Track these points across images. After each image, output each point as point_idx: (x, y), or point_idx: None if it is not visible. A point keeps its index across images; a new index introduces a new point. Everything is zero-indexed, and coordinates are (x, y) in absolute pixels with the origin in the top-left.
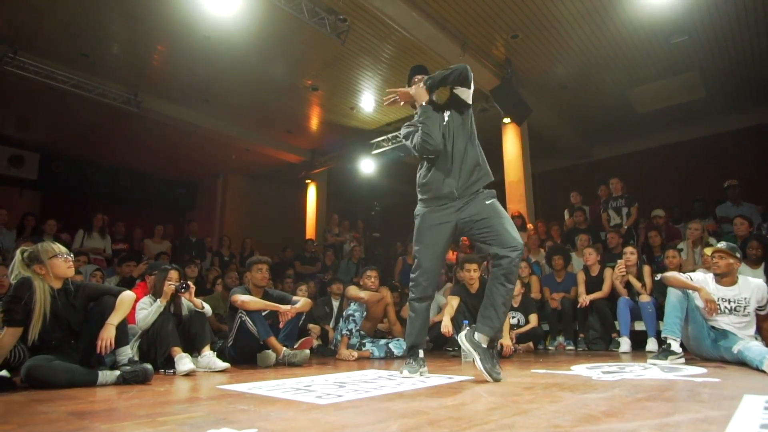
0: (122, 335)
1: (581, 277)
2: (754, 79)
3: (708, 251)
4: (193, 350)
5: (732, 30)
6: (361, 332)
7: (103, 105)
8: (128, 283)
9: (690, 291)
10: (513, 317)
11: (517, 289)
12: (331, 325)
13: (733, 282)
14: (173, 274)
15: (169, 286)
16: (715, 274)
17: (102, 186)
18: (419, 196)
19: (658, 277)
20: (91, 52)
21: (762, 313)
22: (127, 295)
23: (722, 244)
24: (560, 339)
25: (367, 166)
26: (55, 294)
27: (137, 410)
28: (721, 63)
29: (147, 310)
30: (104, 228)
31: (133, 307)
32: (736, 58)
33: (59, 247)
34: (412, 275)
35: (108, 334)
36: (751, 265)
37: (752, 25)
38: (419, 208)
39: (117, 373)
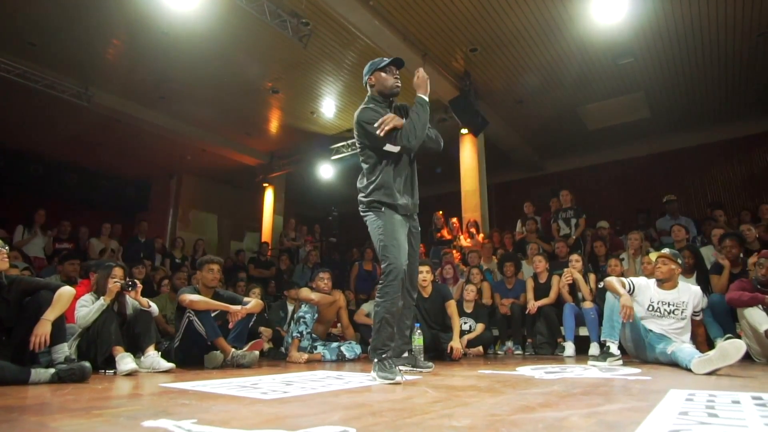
0: (59, 332)
1: (530, 284)
2: (695, 102)
3: (653, 256)
4: (137, 350)
5: (674, 55)
6: (313, 335)
7: (50, 97)
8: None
9: (630, 295)
10: (465, 323)
11: (472, 295)
12: (285, 329)
13: (674, 286)
14: (117, 272)
15: (115, 284)
16: (658, 279)
17: (46, 182)
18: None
19: (602, 284)
20: (39, 42)
21: (697, 318)
22: (66, 290)
23: (666, 251)
24: (509, 344)
25: (326, 171)
26: None
27: (72, 405)
28: (665, 86)
29: (88, 308)
30: (45, 225)
31: (73, 304)
32: (678, 82)
33: None
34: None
35: (43, 330)
36: (684, 273)
37: (692, 52)
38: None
39: (52, 371)
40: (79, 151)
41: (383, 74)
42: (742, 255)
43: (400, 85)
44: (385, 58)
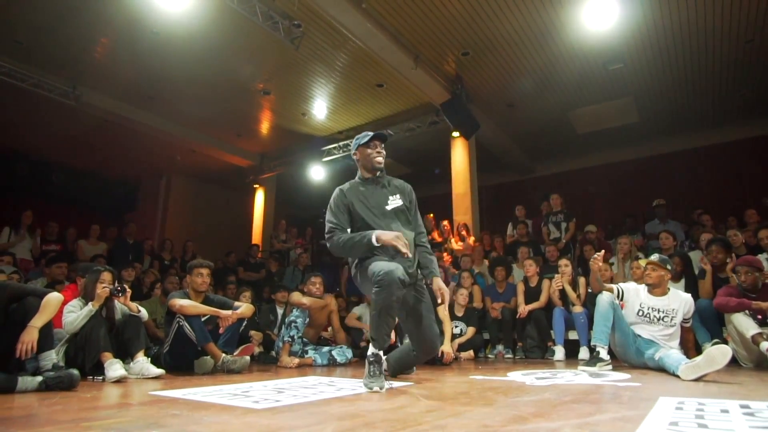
0: (46, 339)
1: (521, 288)
2: (683, 107)
3: (642, 262)
4: (126, 356)
5: (663, 61)
6: (304, 339)
7: (37, 96)
8: (56, 287)
9: (617, 302)
10: (456, 327)
11: (464, 299)
12: (275, 332)
13: (664, 293)
14: (106, 276)
15: (104, 289)
16: (647, 285)
17: (33, 182)
18: None
19: (590, 289)
20: (26, 40)
21: (686, 325)
22: (54, 297)
23: (655, 257)
24: (500, 347)
25: (318, 173)
26: None
27: (60, 416)
28: (654, 91)
29: (76, 314)
30: (33, 226)
31: (61, 310)
32: (667, 88)
33: None
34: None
35: (30, 337)
36: (671, 279)
37: (681, 58)
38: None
39: (39, 379)
40: (66, 151)
41: (367, 150)
42: (728, 260)
43: (382, 161)
44: (369, 133)
